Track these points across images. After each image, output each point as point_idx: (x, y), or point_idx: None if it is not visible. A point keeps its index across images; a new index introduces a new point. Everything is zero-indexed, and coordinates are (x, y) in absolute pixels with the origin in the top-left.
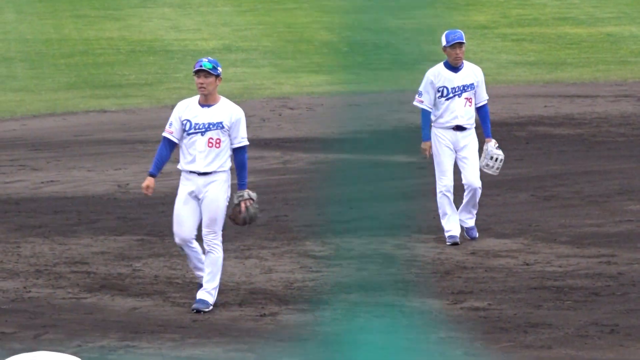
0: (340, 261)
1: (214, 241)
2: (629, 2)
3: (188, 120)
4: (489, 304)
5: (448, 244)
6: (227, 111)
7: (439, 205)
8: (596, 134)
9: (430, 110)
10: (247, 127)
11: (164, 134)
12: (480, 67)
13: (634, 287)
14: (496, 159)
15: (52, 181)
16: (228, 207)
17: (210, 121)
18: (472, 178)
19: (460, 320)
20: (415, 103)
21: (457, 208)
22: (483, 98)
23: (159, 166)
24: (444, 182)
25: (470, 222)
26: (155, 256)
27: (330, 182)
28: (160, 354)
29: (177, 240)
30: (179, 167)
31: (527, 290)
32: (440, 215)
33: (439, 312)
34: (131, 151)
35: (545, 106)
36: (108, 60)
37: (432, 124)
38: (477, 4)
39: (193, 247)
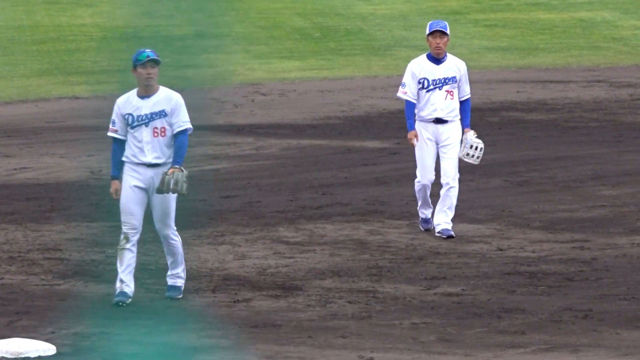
0: (313, 247)
1: (170, 233)
2: None
3: (130, 114)
4: (463, 290)
5: (422, 229)
6: (166, 98)
7: (416, 193)
8: (569, 120)
9: (414, 101)
10: (220, 113)
11: (110, 134)
12: (453, 53)
13: (607, 272)
14: (476, 148)
15: (24, 168)
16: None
17: (152, 111)
18: (448, 168)
19: (434, 305)
20: (399, 94)
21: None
22: (466, 92)
23: (118, 167)
24: (424, 176)
25: (447, 226)
26: None
27: (303, 168)
28: (133, 340)
29: (126, 228)
30: (124, 159)
31: (501, 275)
32: (417, 202)
33: (412, 298)
34: (103, 137)
35: (518, 92)
36: (80, 46)
37: (416, 118)
38: None
39: (135, 245)
